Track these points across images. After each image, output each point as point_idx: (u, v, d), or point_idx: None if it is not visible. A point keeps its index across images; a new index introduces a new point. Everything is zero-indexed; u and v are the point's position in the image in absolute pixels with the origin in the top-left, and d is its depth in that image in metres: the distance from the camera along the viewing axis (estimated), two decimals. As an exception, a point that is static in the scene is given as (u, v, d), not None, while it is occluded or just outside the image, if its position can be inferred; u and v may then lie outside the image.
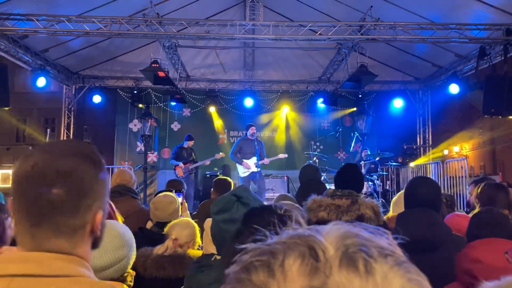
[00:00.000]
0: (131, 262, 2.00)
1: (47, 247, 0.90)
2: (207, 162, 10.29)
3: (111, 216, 2.61)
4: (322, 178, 9.59)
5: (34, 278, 0.84)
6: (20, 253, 0.89)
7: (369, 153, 10.06)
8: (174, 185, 4.37)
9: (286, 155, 10.22)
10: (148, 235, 3.06)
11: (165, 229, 2.79)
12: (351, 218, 2.78)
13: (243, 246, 0.49)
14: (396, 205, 3.26)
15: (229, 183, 4.68)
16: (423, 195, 2.54)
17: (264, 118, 12.07)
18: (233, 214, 1.72)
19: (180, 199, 3.94)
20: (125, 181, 4.06)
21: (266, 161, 9.47)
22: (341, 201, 2.89)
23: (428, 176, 10.79)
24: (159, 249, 2.57)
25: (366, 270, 0.43)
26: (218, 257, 1.79)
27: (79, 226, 0.93)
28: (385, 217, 3.29)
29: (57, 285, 0.85)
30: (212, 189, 4.85)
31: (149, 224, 3.25)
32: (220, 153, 10.29)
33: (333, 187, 9.38)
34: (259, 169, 9.17)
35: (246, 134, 9.44)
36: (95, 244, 1.01)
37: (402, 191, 3.22)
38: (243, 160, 9.24)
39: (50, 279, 0.85)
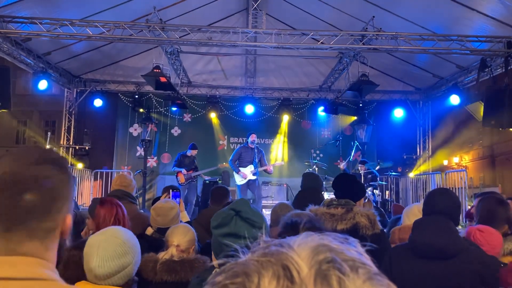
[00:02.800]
0: (136, 268, 2.01)
1: (21, 251, 0.92)
2: (202, 175, 10.30)
3: (119, 221, 2.62)
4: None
5: (7, 281, 0.87)
6: None
7: (364, 159, 10.06)
8: (169, 188, 4.34)
9: (282, 163, 10.17)
10: (149, 241, 3.06)
11: (166, 234, 2.80)
12: (346, 227, 2.82)
13: (214, 263, 0.49)
14: (407, 216, 3.26)
15: (226, 192, 4.67)
16: (442, 205, 2.55)
17: (264, 125, 12.07)
18: (231, 228, 1.72)
19: (177, 200, 3.97)
20: (125, 185, 4.07)
21: (270, 170, 9.40)
22: (336, 210, 2.93)
23: (428, 186, 10.79)
24: (164, 256, 2.58)
25: None
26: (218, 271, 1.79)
27: (50, 229, 0.97)
28: (396, 228, 3.31)
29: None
30: (210, 198, 4.85)
31: (149, 230, 3.24)
32: (224, 163, 10.28)
33: (332, 195, 9.41)
34: (256, 177, 9.15)
35: (247, 141, 9.42)
36: (59, 249, 1.04)
37: (415, 204, 3.23)
38: (240, 168, 9.20)
39: (24, 282, 0.88)
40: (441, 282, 2.23)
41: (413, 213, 3.15)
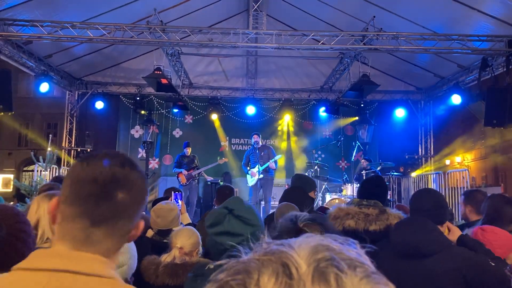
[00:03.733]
0: (131, 270, 1.99)
1: (97, 248, 0.96)
2: (204, 174, 10.24)
3: None
4: (324, 187, 9.57)
5: (72, 274, 0.90)
6: (65, 250, 0.95)
7: (371, 161, 10.03)
8: (171, 190, 4.34)
9: (280, 156, 10.09)
10: (150, 244, 3.05)
11: (170, 236, 2.78)
12: (379, 228, 2.82)
13: (218, 263, 0.51)
14: None
15: (231, 192, 4.67)
16: (423, 205, 2.63)
17: (266, 126, 12.07)
18: (225, 226, 1.74)
19: (179, 202, 3.97)
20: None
21: (271, 166, 9.38)
22: (369, 210, 2.92)
23: (430, 186, 10.77)
24: (166, 258, 2.57)
25: (337, 284, 0.45)
26: (212, 267, 1.80)
27: (128, 232, 1.01)
28: None
29: (92, 283, 0.91)
30: (214, 198, 4.84)
31: (150, 233, 3.23)
32: (223, 158, 10.29)
33: (333, 196, 9.36)
34: (263, 176, 9.17)
35: (252, 144, 9.55)
36: None
37: None
38: (251, 169, 9.32)
39: (86, 277, 0.90)
40: (420, 281, 2.23)
41: None
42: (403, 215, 2.97)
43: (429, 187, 10.71)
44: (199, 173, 9.97)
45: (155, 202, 3.71)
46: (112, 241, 0.98)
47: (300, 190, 3.77)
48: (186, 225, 3.73)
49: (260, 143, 9.49)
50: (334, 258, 0.47)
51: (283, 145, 12.14)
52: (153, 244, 3.02)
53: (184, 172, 9.66)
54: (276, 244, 0.51)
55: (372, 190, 3.18)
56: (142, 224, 1.04)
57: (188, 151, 9.92)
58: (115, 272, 0.97)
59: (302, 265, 0.46)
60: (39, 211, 2.20)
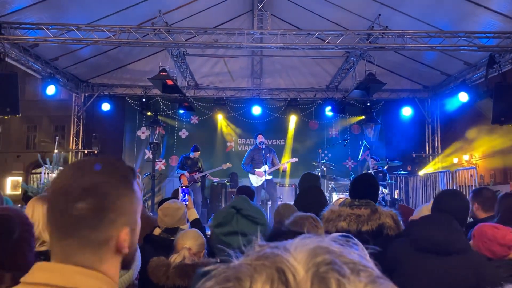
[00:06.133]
0: (136, 273, 1.98)
1: (74, 261, 0.93)
2: (209, 177, 10.19)
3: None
4: (330, 186, 9.55)
5: None
6: (50, 263, 0.94)
7: (378, 161, 9.97)
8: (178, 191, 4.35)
9: (296, 159, 10.13)
10: (157, 241, 3.05)
11: (177, 238, 2.78)
12: (371, 228, 2.80)
13: (207, 269, 0.47)
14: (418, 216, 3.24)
15: (251, 193, 4.64)
16: (450, 205, 2.61)
17: (271, 126, 12.05)
18: (233, 226, 1.71)
19: (186, 197, 3.98)
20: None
21: (284, 167, 9.38)
22: (360, 211, 2.90)
23: (437, 185, 10.69)
24: (176, 258, 2.56)
25: None
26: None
27: (103, 241, 0.96)
28: None
29: None
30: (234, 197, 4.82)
31: (157, 231, 3.24)
32: (227, 164, 10.24)
33: (340, 195, 9.34)
34: (271, 177, 9.13)
35: (256, 143, 9.44)
36: (125, 264, 1.03)
37: (425, 205, 3.20)
38: (256, 169, 9.19)
39: None
40: (439, 277, 2.21)
41: (423, 213, 3.13)
42: (395, 211, 2.95)
43: (437, 185, 10.64)
44: (202, 176, 9.92)
45: (162, 202, 3.71)
46: (87, 253, 0.94)
47: (318, 190, 3.74)
48: (193, 221, 3.74)
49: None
50: (335, 261, 0.43)
51: (289, 145, 12.11)
52: (160, 242, 3.02)
53: (186, 174, 9.64)
54: (270, 247, 0.47)
55: (364, 189, 3.15)
56: (124, 232, 0.98)
57: (196, 155, 9.84)
58: (107, 286, 0.94)
59: (299, 271, 0.43)
60: (34, 214, 2.20)
